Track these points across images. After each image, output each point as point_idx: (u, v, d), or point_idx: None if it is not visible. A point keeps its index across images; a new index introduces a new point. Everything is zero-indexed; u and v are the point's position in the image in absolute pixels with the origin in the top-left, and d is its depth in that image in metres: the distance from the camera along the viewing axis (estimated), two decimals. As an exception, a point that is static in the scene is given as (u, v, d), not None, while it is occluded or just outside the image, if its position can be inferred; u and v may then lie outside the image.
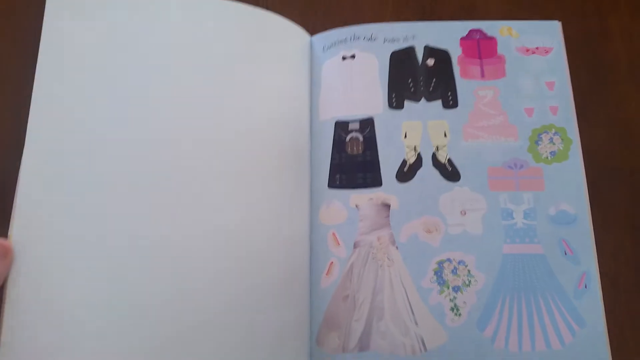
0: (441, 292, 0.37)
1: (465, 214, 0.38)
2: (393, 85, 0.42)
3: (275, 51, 0.40)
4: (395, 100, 0.41)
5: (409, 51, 0.43)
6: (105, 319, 0.31)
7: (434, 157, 0.40)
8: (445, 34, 0.43)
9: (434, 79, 0.42)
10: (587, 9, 0.45)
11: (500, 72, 0.42)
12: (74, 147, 0.33)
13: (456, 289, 0.37)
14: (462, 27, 0.43)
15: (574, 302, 0.36)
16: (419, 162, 0.40)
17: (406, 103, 0.41)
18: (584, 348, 0.35)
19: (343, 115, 0.41)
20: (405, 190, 0.39)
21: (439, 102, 0.41)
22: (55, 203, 0.32)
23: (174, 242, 0.33)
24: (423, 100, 0.41)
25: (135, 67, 0.36)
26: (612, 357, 0.35)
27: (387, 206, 0.39)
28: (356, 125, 0.41)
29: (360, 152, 0.40)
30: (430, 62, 0.42)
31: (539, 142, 0.40)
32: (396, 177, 0.39)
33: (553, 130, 0.40)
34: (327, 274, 0.38)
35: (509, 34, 0.43)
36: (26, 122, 0.33)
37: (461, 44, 0.43)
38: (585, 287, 0.36)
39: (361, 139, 0.41)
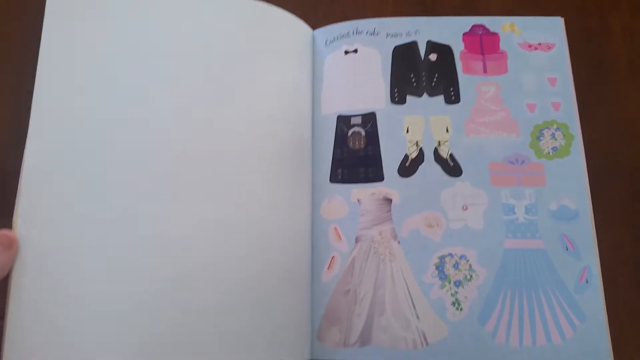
0: (442, 286, 0.37)
1: (466, 209, 0.38)
2: (395, 80, 0.42)
3: (277, 45, 0.40)
4: (398, 95, 0.41)
5: (412, 46, 0.43)
6: (108, 310, 0.31)
7: (435, 152, 0.40)
8: (448, 29, 0.43)
9: (437, 74, 0.42)
10: (588, 7, 0.45)
11: (502, 67, 0.42)
12: (77, 140, 0.33)
13: (457, 283, 0.37)
14: (465, 23, 0.43)
15: (575, 296, 0.36)
16: (420, 157, 0.40)
17: (408, 98, 0.41)
18: (584, 342, 0.35)
19: (345, 110, 0.41)
20: (407, 185, 0.39)
21: (441, 97, 0.41)
22: (58, 194, 0.32)
23: (176, 236, 0.33)
24: (425, 95, 0.41)
25: (137, 62, 0.35)
26: (613, 352, 0.35)
27: (389, 201, 0.39)
28: (358, 120, 0.41)
29: (362, 146, 0.40)
30: (433, 57, 0.42)
31: (541, 138, 0.40)
32: (398, 171, 0.39)
33: (555, 126, 0.40)
34: (328, 269, 0.38)
35: (512, 29, 0.43)
36: (29, 114, 0.33)
37: (464, 40, 0.43)
38: (587, 282, 0.36)
39: (363, 133, 0.41)
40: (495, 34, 0.43)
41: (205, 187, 0.35)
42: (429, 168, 0.39)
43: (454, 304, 0.36)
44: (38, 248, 0.31)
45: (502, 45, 0.42)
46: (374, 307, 0.37)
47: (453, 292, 0.37)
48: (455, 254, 0.38)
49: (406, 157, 0.40)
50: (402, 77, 0.42)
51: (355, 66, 0.42)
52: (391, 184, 0.39)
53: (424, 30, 0.43)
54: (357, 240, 0.38)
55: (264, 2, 0.40)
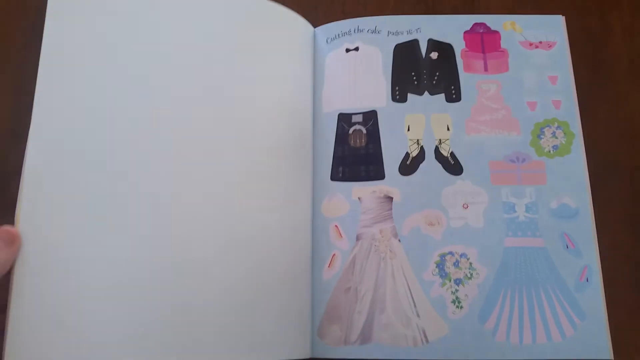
0: (443, 284, 0.37)
1: (467, 207, 0.38)
2: (396, 78, 0.42)
3: (279, 42, 0.40)
4: (399, 93, 0.41)
5: (413, 44, 0.43)
6: (109, 305, 0.31)
7: (436, 150, 0.40)
8: (449, 28, 0.43)
9: (438, 73, 0.42)
10: (589, 7, 0.45)
11: (503, 66, 0.42)
12: (78, 136, 0.33)
13: (458, 281, 0.37)
14: (466, 21, 0.43)
15: (575, 295, 0.36)
16: (421, 155, 0.40)
17: (409, 96, 0.41)
18: (584, 341, 0.35)
19: (346, 108, 0.41)
20: (408, 183, 0.39)
21: (442, 96, 0.41)
22: (60, 190, 0.32)
23: (176, 233, 0.33)
24: (426, 93, 0.41)
25: (138, 59, 0.35)
26: (613, 350, 0.35)
27: (390, 199, 0.39)
28: (359, 118, 0.41)
29: (363, 144, 0.40)
30: (434, 55, 0.42)
31: (542, 136, 0.40)
32: (399, 170, 0.39)
33: (556, 124, 0.40)
34: (329, 266, 0.38)
35: (513, 28, 0.43)
36: (29, 112, 0.33)
37: (465, 38, 0.43)
38: (587, 280, 0.36)
39: (364, 131, 0.41)
40: (496, 33, 0.43)
41: (206, 185, 0.35)
42: (430, 166, 0.39)
43: (454, 302, 0.37)
44: (40, 244, 0.31)
45: (503, 44, 0.42)
46: (375, 305, 0.37)
47: (453, 290, 0.37)
48: (456, 252, 0.38)
49: (407, 155, 0.40)
50: (403, 76, 0.42)
51: (357, 64, 0.42)
52: (392, 182, 0.39)
53: (425, 28, 0.43)
54: (357, 238, 0.38)
55: None
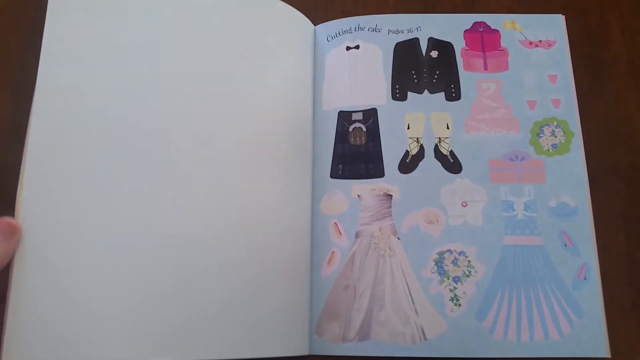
0: (441, 282, 0.37)
1: (466, 205, 0.39)
2: (397, 77, 0.42)
3: (279, 39, 0.40)
4: (399, 91, 0.42)
5: (413, 43, 0.43)
6: (108, 297, 0.31)
7: (436, 148, 0.40)
8: (449, 26, 0.43)
9: (438, 71, 0.42)
10: (588, 6, 0.45)
11: (503, 65, 0.42)
12: (79, 131, 0.33)
13: (456, 279, 0.37)
14: (466, 20, 0.43)
15: (573, 293, 0.36)
16: (421, 153, 0.40)
17: (409, 94, 0.41)
18: (582, 338, 0.35)
19: (346, 106, 0.41)
20: (407, 181, 0.39)
21: (442, 94, 0.41)
22: (61, 183, 0.32)
23: (176, 229, 0.33)
24: (426, 92, 0.41)
25: (138, 55, 0.35)
26: (610, 348, 0.35)
27: (389, 197, 0.39)
28: (359, 116, 0.41)
29: (363, 142, 0.40)
30: (434, 54, 0.43)
31: (541, 135, 0.40)
32: (398, 168, 0.40)
33: (555, 123, 0.40)
34: (328, 264, 0.38)
35: (513, 27, 0.43)
36: (28, 107, 0.33)
37: (465, 37, 0.43)
38: (585, 278, 0.37)
39: (364, 129, 0.41)
40: (496, 31, 0.43)
41: (205, 181, 0.35)
42: (429, 164, 0.40)
43: (452, 299, 0.37)
44: (40, 236, 0.31)
45: (503, 43, 0.42)
46: (373, 302, 0.37)
47: (452, 287, 0.37)
48: (455, 250, 0.38)
49: (407, 153, 0.40)
50: (404, 74, 0.42)
51: (357, 62, 0.42)
52: (391, 180, 0.39)
53: (426, 27, 0.43)
54: (357, 235, 0.39)
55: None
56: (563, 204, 0.38)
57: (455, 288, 0.37)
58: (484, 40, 0.43)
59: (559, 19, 0.43)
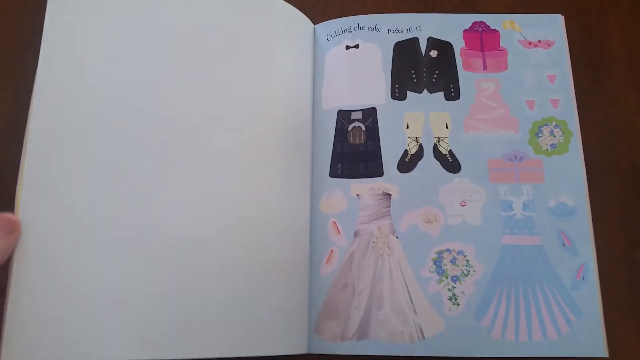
0: (440, 281, 0.37)
1: (465, 204, 0.39)
2: (396, 76, 0.42)
3: (279, 38, 0.40)
4: (398, 90, 0.42)
5: (413, 42, 0.43)
6: (110, 297, 0.31)
7: (435, 148, 0.40)
8: (449, 26, 0.43)
9: (437, 71, 0.42)
10: (587, 6, 0.45)
11: (502, 64, 0.42)
12: (79, 126, 0.33)
13: (455, 278, 0.37)
14: (466, 20, 0.43)
15: (572, 293, 0.36)
16: (420, 152, 0.40)
17: (409, 94, 0.41)
18: (580, 338, 0.35)
19: (346, 105, 0.41)
20: (406, 180, 0.39)
21: (441, 94, 0.41)
22: (60, 180, 0.32)
23: (174, 227, 0.33)
24: (425, 91, 0.42)
25: (137, 52, 0.35)
26: (608, 348, 0.35)
27: (388, 196, 0.39)
28: (359, 115, 0.41)
29: (362, 141, 0.40)
30: (434, 53, 0.43)
31: (540, 135, 0.40)
32: (397, 167, 0.40)
33: (554, 123, 0.40)
34: (327, 263, 0.38)
35: (512, 27, 0.43)
36: (27, 104, 0.33)
37: (464, 36, 0.43)
38: (583, 278, 0.37)
39: (363, 128, 0.41)
40: (495, 31, 0.43)
41: (204, 180, 0.35)
42: (428, 164, 0.40)
43: (451, 298, 0.37)
44: (39, 234, 0.30)
45: (502, 43, 0.43)
46: (372, 301, 0.37)
47: (450, 287, 0.37)
48: (453, 250, 0.38)
49: (406, 152, 0.40)
50: (403, 73, 0.42)
51: (356, 61, 0.42)
52: (390, 179, 0.39)
53: (425, 26, 0.43)
54: (355, 234, 0.39)
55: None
56: (562, 204, 0.38)
57: (453, 287, 0.37)
58: (483, 40, 0.43)
59: (558, 19, 0.43)
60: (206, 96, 0.36)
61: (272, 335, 0.35)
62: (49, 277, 0.30)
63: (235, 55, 0.38)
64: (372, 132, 0.41)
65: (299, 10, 0.42)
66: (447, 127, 0.41)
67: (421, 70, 0.42)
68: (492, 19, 0.43)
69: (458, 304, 0.37)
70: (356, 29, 0.43)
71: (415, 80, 0.42)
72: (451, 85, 0.42)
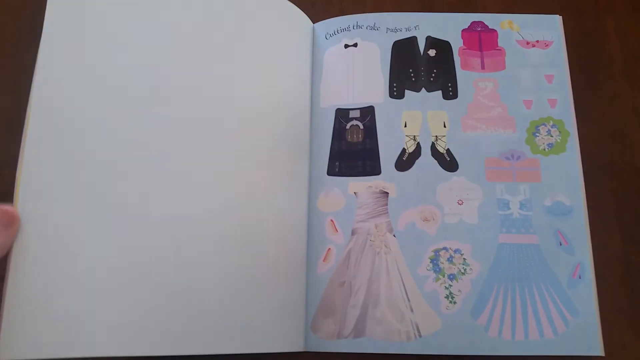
0: (437, 279, 0.37)
1: (462, 203, 0.39)
2: (394, 75, 0.42)
3: (278, 36, 0.40)
4: (396, 89, 0.42)
5: (411, 41, 0.43)
6: (109, 293, 0.31)
7: (433, 146, 0.40)
8: (447, 25, 0.43)
9: (435, 70, 0.42)
10: (585, 7, 0.46)
11: (500, 64, 0.42)
12: (80, 118, 0.33)
13: (451, 277, 0.37)
14: (464, 19, 0.43)
15: (568, 292, 0.36)
16: (418, 151, 0.40)
17: (407, 93, 0.42)
18: (576, 337, 0.35)
19: (344, 103, 0.41)
20: (404, 178, 0.39)
21: (439, 93, 0.42)
22: (59, 172, 0.31)
23: (171, 227, 0.33)
24: (423, 90, 0.42)
25: (137, 49, 0.35)
26: (604, 347, 0.35)
27: (386, 194, 0.39)
28: (357, 114, 0.41)
29: (360, 140, 0.41)
30: (432, 52, 0.43)
31: (537, 134, 0.40)
32: (395, 165, 0.40)
33: (551, 123, 0.40)
34: (324, 261, 0.38)
35: (510, 27, 0.43)
36: (25, 100, 0.33)
37: (462, 36, 0.43)
38: (580, 277, 0.37)
39: (361, 127, 0.41)
40: (493, 31, 0.43)
41: (202, 178, 0.35)
42: (426, 162, 0.40)
43: (447, 297, 0.37)
44: (38, 227, 0.30)
45: (500, 42, 0.43)
46: (369, 299, 0.37)
47: (447, 285, 0.37)
48: (450, 248, 0.38)
49: (403, 151, 0.40)
50: (401, 72, 0.42)
51: (355, 60, 0.42)
52: (388, 177, 0.39)
53: (424, 26, 0.43)
54: (353, 232, 0.39)
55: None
56: (558, 203, 0.38)
57: (450, 286, 0.37)
58: (482, 40, 0.43)
59: (556, 20, 0.43)
60: (204, 94, 0.36)
61: (269, 333, 0.35)
62: (47, 272, 0.30)
63: (234, 53, 0.38)
64: (370, 131, 0.41)
65: (300, 8, 0.42)
66: (444, 126, 0.41)
67: (419, 69, 0.42)
68: (490, 19, 0.43)
69: (455, 302, 0.37)
70: (355, 27, 0.43)
71: (413, 79, 0.42)
72: (449, 85, 0.42)
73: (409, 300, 0.37)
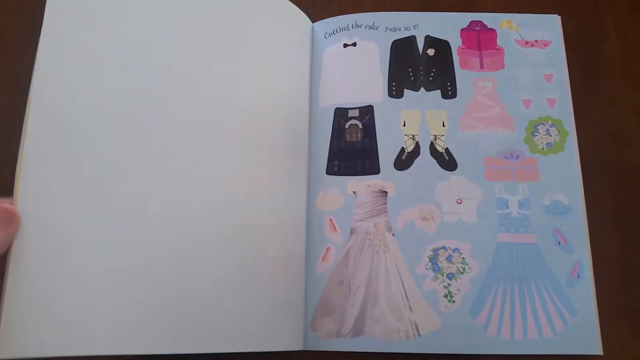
0: (435, 278, 0.37)
1: (460, 202, 0.39)
2: (393, 74, 0.42)
3: (277, 35, 0.40)
4: (395, 89, 0.42)
5: (410, 41, 0.43)
6: (108, 291, 0.31)
7: (431, 146, 0.40)
8: (446, 25, 0.43)
9: (434, 69, 0.42)
10: (584, 7, 0.46)
11: (499, 63, 0.42)
12: (79, 116, 0.32)
13: (450, 276, 0.37)
14: (463, 19, 0.43)
15: (567, 291, 0.37)
16: (416, 150, 0.40)
17: (406, 92, 0.42)
18: (575, 336, 0.36)
19: (343, 103, 0.41)
20: (403, 178, 0.39)
21: (438, 92, 0.42)
22: (59, 169, 0.31)
23: (171, 224, 0.33)
24: (422, 89, 0.42)
25: (137, 47, 0.35)
26: (602, 346, 0.35)
27: (385, 193, 0.39)
28: (356, 113, 0.41)
29: (359, 139, 0.41)
30: (431, 52, 0.43)
31: (536, 134, 0.40)
32: (394, 165, 0.40)
33: (550, 122, 0.40)
34: (323, 260, 0.38)
35: (509, 26, 0.43)
36: (24, 96, 0.33)
37: (461, 35, 0.43)
38: (578, 276, 0.37)
39: (360, 126, 0.41)
40: (492, 30, 0.43)
41: (201, 177, 0.35)
42: (425, 162, 0.40)
43: (446, 296, 0.37)
44: (38, 224, 0.30)
45: (499, 42, 0.43)
46: (368, 298, 0.37)
47: (446, 284, 0.37)
48: (449, 247, 0.38)
49: (402, 150, 0.40)
50: (400, 71, 0.42)
51: (354, 59, 0.42)
52: (387, 176, 0.40)
53: (423, 25, 0.43)
54: (352, 232, 0.39)
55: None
56: (557, 202, 0.38)
57: (449, 285, 0.37)
58: (481, 39, 0.43)
59: (555, 19, 0.43)
60: (203, 93, 0.36)
61: (268, 332, 0.35)
62: (46, 270, 0.30)
63: (233, 52, 0.38)
64: (369, 130, 0.41)
65: (299, 7, 0.42)
66: (443, 125, 0.41)
67: (418, 68, 0.42)
68: (489, 18, 0.43)
69: (453, 302, 0.37)
70: (354, 27, 0.43)
71: (412, 79, 0.42)
72: (448, 84, 0.42)
73: (407, 299, 0.37)
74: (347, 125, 0.41)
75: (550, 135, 0.40)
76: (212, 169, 0.35)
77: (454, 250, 0.38)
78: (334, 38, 0.43)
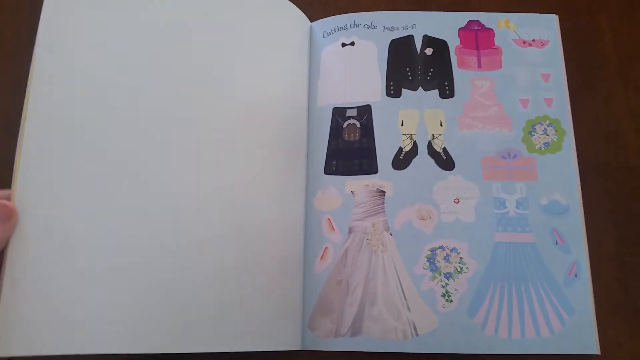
0: (433, 278, 0.37)
1: (458, 202, 0.39)
2: (391, 74, 0.42)
3: (276, 34, 0.40)
4: (393, 88, 0.42)
5: (408, 40, 0.43)
6: (108, 291, 0.31)
7: (429, 145, 0.40)
8: (444, 24, 0.43)
9: (432, 69, 0.42)
10: (580, 7, 0.46)
11: (496, 63, 0.42)
12: (78, 114, 0.32)
13: (448, 275, 0.37)
14: (461, 18, 0.43)
15: (564, 290, 0.37)
16: (414, 150, 0.40)
17: (404, 91, 0.42)
18: (572, 336, 0.36)
19: (341, 102, 0.41)
20: (401, 177, 0.39)
21: (435, 92, 0.42)
22: (57, 165, 0.31)
23: (170, 223, 0.33)
24: (420, 89, 0.42)
25: (136, 46, 0.35)
26: (600, 346, 0.36)
27: (382, 193, 0.39)
28: (354, 112, 0.41)
29: (357, 138, 0.41)
30: (429, 51, 0.43)
31: (533, 133, 0.40)
32: (392, 164, 0.40)
33: (547, 122, 0.40)
34: (321, 259, 0.38)
35: (507, 26, 0.43)
36: (22, 93, 0.32)
37: (459, 35, 0.43)
38: (576, 276, 0.37)
39: (358, 125, 0.41)
40: (490, 30, 0.43)
41: (199, 176, 0.35)
42: (423, 161, 0.40)
43: (444, 295, 0.37)
44: (36, 220, 0.30)
45: (497, 41, 0.43)
46: (366, 298, 0.37)
47: (443, 284, 0.37)
48: (447, 247, 0.38)
49: (400, 150, 0.40)
50: (398, 71, 0.42)
51: (352, 59, 0.42)
52: (385, 176, 0.40)
53: (421, 24, 0.43)
54: (350, 231, 0.39)
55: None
56: (554, 202, 0.39)
57: (447, 284, 0.37)
58: (478, 39, 0.43)
59: (553, 19, 0.43)
60: (202, 92, 0.36)
61: (266, 331, 0.35)
62: (45, 267, 0.30)
63: (232, 51, 0.38)
64: (367, 130, 0.41)
65: (297, 7, 0.42)
66: (441, 125, 0.41)
67: (416, 68, 0.42)
68: (487, 18, 0.43)
69: (451, 301, 0.37)
70: (352, 26, 0.43)
71: (410, 78, 0.42)
72: (446, 83, 0.42)
73: (405, 298, 0.37)
74: (345, 125, 0.41)
75: (548, 135, 0.40)
76: (209, 169, 0.35)
77: (452, 249, 0.38)
78: (332, 37, 0.43)
